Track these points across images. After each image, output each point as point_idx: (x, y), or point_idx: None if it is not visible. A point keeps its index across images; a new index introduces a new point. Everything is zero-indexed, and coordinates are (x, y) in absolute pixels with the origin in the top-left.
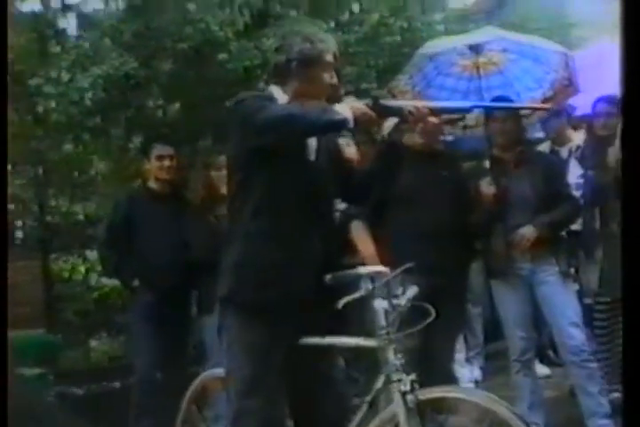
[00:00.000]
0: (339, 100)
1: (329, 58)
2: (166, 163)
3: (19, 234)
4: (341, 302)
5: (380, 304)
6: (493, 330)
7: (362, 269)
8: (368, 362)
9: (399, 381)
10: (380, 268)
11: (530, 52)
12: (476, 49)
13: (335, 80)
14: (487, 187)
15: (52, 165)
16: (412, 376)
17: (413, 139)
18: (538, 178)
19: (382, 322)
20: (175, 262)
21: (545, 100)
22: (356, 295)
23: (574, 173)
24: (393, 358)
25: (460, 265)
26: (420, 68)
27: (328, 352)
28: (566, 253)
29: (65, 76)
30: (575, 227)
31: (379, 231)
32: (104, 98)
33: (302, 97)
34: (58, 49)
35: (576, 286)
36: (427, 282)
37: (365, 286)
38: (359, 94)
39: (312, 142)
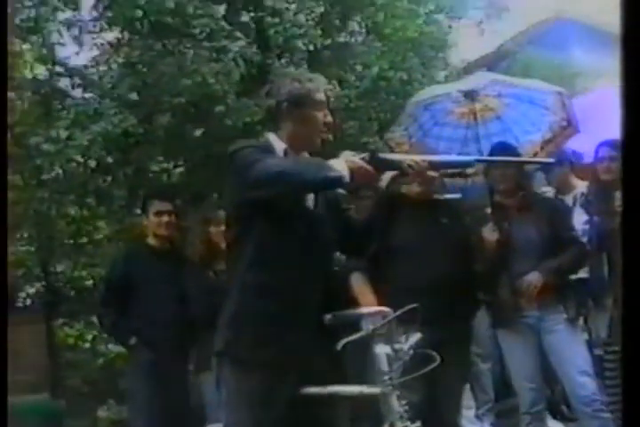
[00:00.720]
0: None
1: (320, 96)
2: (165, 219)
3: (23, 298)
4: (341, 343)
5: (381, 349)
6: (505, 386)
7: (363, 309)
8: (372, 410)
9: None
10: (382, 308)
11: (525, 94)
12: (470, 95)
13: (330, 119)
14: (490, 233)
15: (56, 228)
16: (417, 424)
17: (411, 189)
18: (543, 222)
19: (385, 367)
20: (174, 319)
21: (544, 143)
22: (357, 336)
23: (580, 220)
24: (396, 405)
25: (463, 316)
26: (415, 119)
27: (330, 402)
28: (574, 300)
29: (63, 134)
30: (583, 274)
31: (379, 283)
32: (104, 156)
33: (298, 140)
34: (58, 108)
35: (585, 336)
36: (429, 334)
37: (366, 327)
38: (360, 148)
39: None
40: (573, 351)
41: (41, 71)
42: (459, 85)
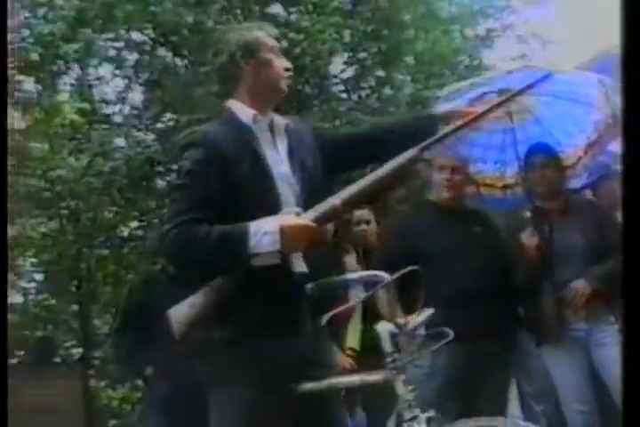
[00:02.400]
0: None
1: (272, 41)
2: None
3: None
4: (326, 317)
5: (383, 327)
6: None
7: (352, 275)
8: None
9: (413, 419)
10: (374, 272)
11: (565, 90)
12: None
13: (288, 64)
14: (529, 238)
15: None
16: (430, 413)
17: (439, 194)
18: (588, 227)
19: (388, 348)
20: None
21: (589, 146)
22: (345, 307)
23: None
24: (403, 391)
25: (503, 330)
26: None
27: (331, 396)
28: None
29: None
30: None
31: (408, 296)
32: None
33: (262, 93)
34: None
35: None
36: (465, 351)
37: (355, 296)
38: None
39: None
40: None
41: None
42: (493, 83)
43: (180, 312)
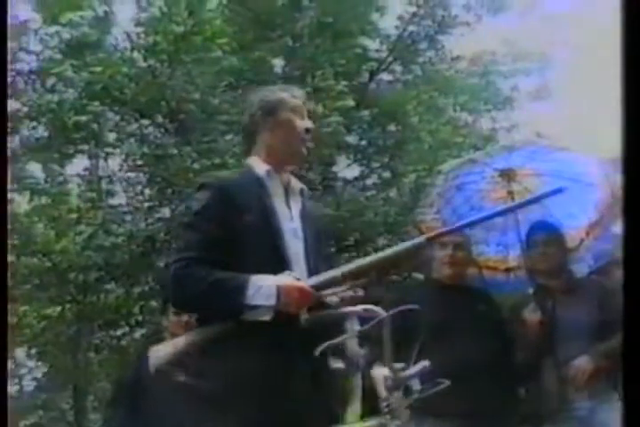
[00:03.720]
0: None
1: (295, 102)
2: (184, 318)
3: None
4: (320, 348)
5: (379, 372)
6: None
7: (348, 309)
8: None
9: None
10: (371, 306)
11: (566, 170)
12: (507, 175)
13: (309, 123)
14: (531, 314)
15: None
16: None
17: (441, 270)
18: (592, 305)
19: (382, 392)
20: (187, 424)
21: (591, 227)
22: (340, 339)
23: None
24: None
25: (502, 411)
26: (447, 200)
27: None
28: None
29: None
30: None
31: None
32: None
33: (279, 153)
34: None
35: None
36: None
37: (351, 328)
38: None
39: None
40: None
41: None
42: (493, 162)
43: (161, 350)
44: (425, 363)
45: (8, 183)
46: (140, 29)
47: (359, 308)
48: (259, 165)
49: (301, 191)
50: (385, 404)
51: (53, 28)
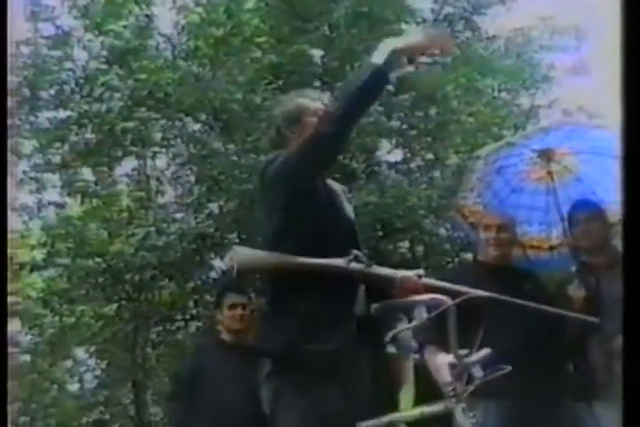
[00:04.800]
0: None
1: (315, 105)
2: (238, 311)
3: None
4: (390, 335)
5: (443, 359)
6: None
7: (415, 297)
8: None
9: None
10: (437, 295)
11: (603, 146)
12: (546, 155)
13: None
14: (576, 290)
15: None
16: None
17: (486, 253)
18: None
19: (447, 377)
20: (247, 416)
21: None
22: (409, 326)
23: None
24: (463, 419)
25: (553, 389)
26: (488, 184)
27: None
28: None
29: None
30: None
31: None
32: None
33: None
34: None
35: None
36: (512, 409)
37: (419, 316)
38: None
39: None
40: None
41: None
42: (530, 143)
43: (245, 254)
44: (487, 350)
45: (59, 188)
46: (181, 35)
47: (426, 297)
48: None
49: (343, 189)
50: (450, 388)
51: (97, 38)
